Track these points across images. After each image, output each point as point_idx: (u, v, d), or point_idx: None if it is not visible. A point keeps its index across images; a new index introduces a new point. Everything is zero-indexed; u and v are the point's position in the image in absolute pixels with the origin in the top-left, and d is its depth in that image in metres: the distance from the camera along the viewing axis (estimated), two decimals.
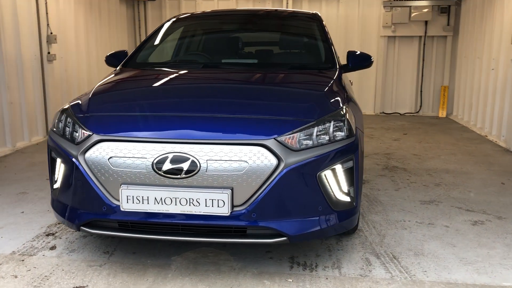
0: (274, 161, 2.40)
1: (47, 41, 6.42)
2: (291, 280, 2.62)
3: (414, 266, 2.79)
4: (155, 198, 2.41)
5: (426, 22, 8.75)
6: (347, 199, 2.68)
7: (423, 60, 8.97)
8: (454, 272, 2.71)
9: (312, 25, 4.14)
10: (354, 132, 2.70)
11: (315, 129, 2.55)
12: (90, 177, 2.51)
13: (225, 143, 2.42)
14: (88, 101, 2.84)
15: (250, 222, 2.45)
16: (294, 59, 3.89)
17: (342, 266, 2.78)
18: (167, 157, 2.41)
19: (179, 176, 2.41)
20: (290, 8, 8.93)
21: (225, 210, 2.39)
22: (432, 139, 6.66)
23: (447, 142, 6.50)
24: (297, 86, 3.17)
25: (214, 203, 2.39)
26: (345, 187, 2.66)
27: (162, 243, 3.02)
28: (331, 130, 2.59)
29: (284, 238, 2.48)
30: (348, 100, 3.02)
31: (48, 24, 6.42)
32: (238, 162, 2.39)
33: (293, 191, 2.46)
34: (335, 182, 2.61)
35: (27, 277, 2.63)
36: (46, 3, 6.37)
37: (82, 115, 2.69)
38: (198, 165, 2.40)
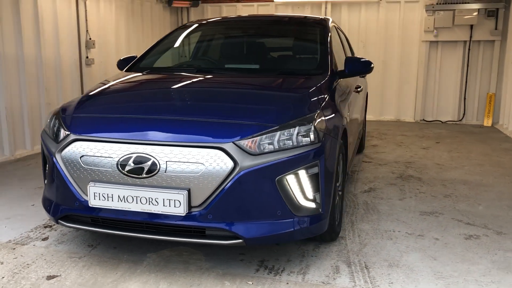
0: (230, 164, 2.46)
1: (86, 46, 6.83)
2: (251, 283, 2.65)
3: (382, 277, 2.73)
4: (119, 196, 2.54)
5: (471, 26, 8.36)
6: (312, 205, 2.68)
7: (468, 66, 8.57)
8: (421, 286, 2.62)
9: (315, 30, 4.13)
10: (321, 138, 2.68)
11: (278, 134, 2.57)
12: (65, 174, 2.69)
13: (184, 145, 2.51)
14: (76, 103, 3.03)
15: (206, 223, 2.51)
16: (287, 64, 3.91)
17: (308, 272, 2.77)
18: (130, 157, 2.54)
19: (140, 176, 2.52)
20: (324, 15, 8.89)
21: (181, 210, 2.48)
22: (465, 149, 6.37)
23: (480, 152, 6.18)
24: (272, 91, 3.19)
25: (171, 203, 2.48)
26: (309, 193, 2.66)
27: (141, 240, 3.15)
28: (295, 135, 2.60)
29: (240, 240, 2.53)
30: (329, 106, 3.00)
31: (87, 30, 6.83)
32: (196, 164, 2.47)
33: (249, 195, 2.50)
34: (298, 187, 2.61)
35: (11, 264, 2.85)
36: (86, 10, 6.78)
37: (65, 116, 2.89)
38: (158, 165, 2.50)
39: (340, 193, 3.35)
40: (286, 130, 2.60)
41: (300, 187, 2.63)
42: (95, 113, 2.88)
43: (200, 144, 2.51)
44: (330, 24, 4.32)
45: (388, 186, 4.54)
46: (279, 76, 3.44)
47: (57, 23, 6.27)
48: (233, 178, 2.46)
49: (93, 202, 2.60)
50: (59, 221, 2.79)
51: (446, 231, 3.42)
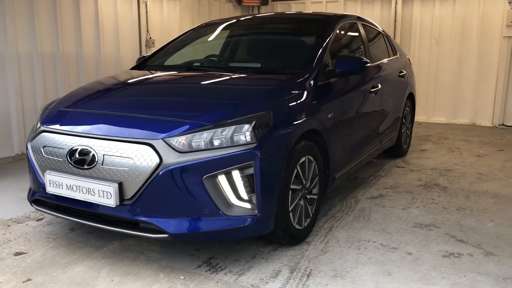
0: (155, 160, 2.54)
1: (146, 45, 7.31)
2: (183, 278, 2.71)
3: (317, 287, 2.61)
4: (67, 185, 2.76)
5: None
6: (247, 205, 2.65)
7: None
8: None
9: (315, 29, 4.00)
10: (260, 139, 2.64)
11: (212, 132, 2.59)
12: (33, 161, 2.98)
13: (118, 140, 2.64)
14: (61, 97, 3.33)
15: (134, 216, 2.63)
16: (273, 63, 3.83)
17: (246, 274, 2.75)
18: (77, 149, 2.74)
19: (83, 167, 2.71)
20: (394, 11, 8.43)
21: (112, 202, 2.62)
22: None
23: None
24: (224, 90, 3.18)
25: (105, 194, 2.63)
26: (243, 193, 2.64)
27: None
28: (230, 135, 2.60)
29: (166, 235, 2.59)
30: (288, 106, 2.93)
31: (147, 30, 7.30)
32: (126, 158, 2.59)
33: (174, 191, 2.56)
34: (230, 186, 2.61)
35: None
36: (146, 11, 7.25)
37: (44, 109, 3.19)
38: (96, 158, 2.67)
39: (312, 197, 3.24)
40: (221, 129, 2.61)
41: (233, 187, 2.62)
42: (60, 107, 3.13)
43: (132, 139, 2.62)
44: (343, 23, 4.15)
45: (401, 193, 4.24)
46: (252, 75, 3.41)
47: (118, 23, 6.80)
48: (157, 174, 2.53)
49: (49, 189, 2.85)
50: (32, 204, 3.10)
51: (427, 246, 3.13)
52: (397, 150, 5.48)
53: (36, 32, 5.62)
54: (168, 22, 7.77)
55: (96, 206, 2.72)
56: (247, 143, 2.62)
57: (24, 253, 3.03)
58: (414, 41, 8.39)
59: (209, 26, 4.61)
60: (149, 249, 3.07)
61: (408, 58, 5.96)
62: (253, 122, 2.67)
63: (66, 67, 6.09)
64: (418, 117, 8.35)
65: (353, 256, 2.98)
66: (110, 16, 6.71)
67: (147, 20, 7.29)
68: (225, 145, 2.60)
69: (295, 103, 3.04)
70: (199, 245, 3.09)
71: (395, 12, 8.46)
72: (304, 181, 3.10)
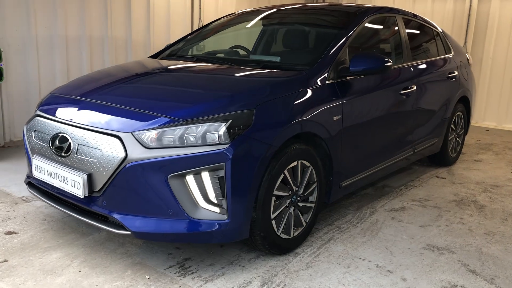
0: (121, 154, 2.45)
1: None
2: (148, 277, 2.62)
3: None
4: (47, 171, 2.76)
5: None
6: (215, 209, 2.49)
7: None
8: None
9: (341, 22, 3.68)
10: (233, 140, 2.45)
11: (183, 128, 2.45)
12: (26, 144, 3.03)
13: (92, 130, 2.58)
14: (66, 83, 3.35)
15: (101, 209, 2.56)
16: (286, 57, 3.57)
17: (213, 281, 2.60)
18: (57, 136, 2.73)
19: (61, 154, 2.69)
20: (469, 7, 7.67)
21: (80, 193, 2.57)
22: None
23: None
24: (211, 85, 2.98)
25: (75, 184, 2.59)
26: (213, 197, 2.48)
27: None
28: (201, 133, 2.44)
29: (128, 232, 2.50)
30: (277, 106, 2.71)
31: (200, 17, 7.27)
32: (96, 150, 2.53)
33: (137, 188, 2.45)
34: (198, 188, 2.46)
35: None
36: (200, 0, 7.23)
37: (48, 94, 3.23)
38: (72, 147, 2.63)
39: (307, 205, 3.00)
40: (193, 126, 2.46)
41: (202, 189, 2.46)
42: (57, 93, 3.14)
43: (103, 130, 2.55)
44: (375, 16, 3.79)
45: (427, 208, 3.82)
46: (255, 70, 3.18)
47: (170, 9, 6.84)
48: (121, 169, 2.44)
49: (34, 173, 2.88)
50: (27, 186, 3.15)
51: (429, 273, 2.77)
52: (442, 159, 4.98)
53: (86, 16, 5.79)
54: (223, 8, 7.69)
55: (70, 194, 2.69)
56: (219, 143, 2.44)
57: (15, 233, 3.10)
58: (490, 39, 7.58)
59: (238, 16, 4.43)
60: (131, 243, 3.01)
61: (468, 58, 5.36)
62: (229, 121, 2.48)
63: (114, 51, 6.23)
64: (487, 123, 7.63)
65: (338, 275, 2.71)
66: (162, 1, 6.75)
67: (200, 7, 7.26)
68: (196, 144, 2.44)
69: (289, 102, 2.80)
70: (181, 244, 2.98)
71: (470, 8, 7.69)
72: (294, 187, 2.86)
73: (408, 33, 4.19)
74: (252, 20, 4.39)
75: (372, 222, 3.48)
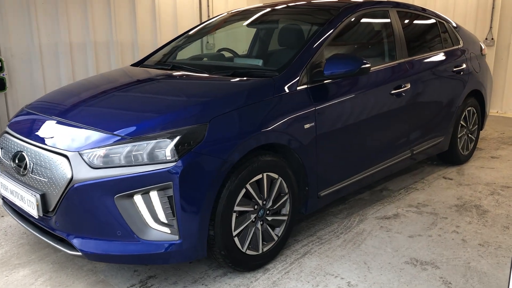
0: (69, 174, 2.40)
1: None
2: None
3: None
4: (10, 189, 2.76)
5: None
6: (166, 230, 2.40)
7: None
8: None
9: (321, 21, 3.47)
10: (182, 156, 2.34)
11: (129, 146, 2.37)
12: None
13: (45, 149, 2.55)
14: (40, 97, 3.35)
15: (52, 229, 2.53)
16: (269, 61, 3.41)
17: None
18: (17, 154, 2.71)
19: (21, 173, 2.68)
20: None
21: (35, 212, 2.55)
22: None
23: None
24: (166, 97, 2.86)
25: (30, 204, 2.57)
26: (162, 217, 2.39)
27: None
28: (148, 150, 2.36)
29: (79, 253, 2.46)
30: (234, 118, 2.58)
31: (208, 16, 7.18)
32: (48, 169, 2.49)
33: (85, 209, 2.40)
34: (147, 209, 2.38)
35: None
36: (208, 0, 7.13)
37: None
38: (28, 165, 2.61)
39: (279, 218, 2.87)
40: (139, 144, 2.37)
41: (150, 209, 2.38)
42: (26, 108, 3.12)
43: (53, 149, 2.51)
44: (360, 12, 3.57)
45: (423, 215, 3.58)
46: (220, 79, 3.05)
47: (176, 10, 6.78)
48: (69, 189, 2.39)
49: (1, 191, 2.88)
50: (2, 202, 3.18)
51: None
52: (451, 157, 4.68)
53: (89, 21, 5.82)
54: (234, 5, 7.56)
55: (26, 213, 2.68)
56: (166, 161, 2.34)
57: None
58: None
59: (228, 18, 4.30)
60: None
61: (482, 49, 5.00)
62: (177, 137, 2.37)
63: (120, 55, 6.25)
64: None
65: None
66: (169, 3, 6.70)
67: (208, 4, 7.16)
68: (143, 162, 2.36)
69: (251, 113, 2.66)
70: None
71: None
72: (260, 201, 2.73)
73: (404, 27, 3.92)
74: (242, 20, 4.25)
75: (357, 232, 3.30)
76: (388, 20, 3.82)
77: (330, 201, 3.35)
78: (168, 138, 2.37)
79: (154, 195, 2.36)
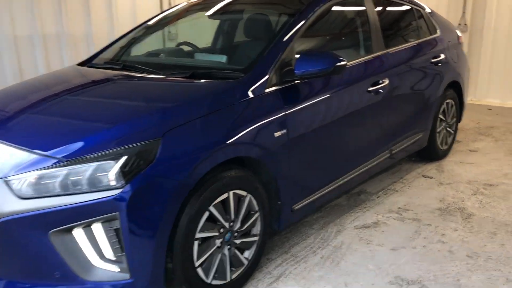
0: None
1: None
2: None
3: None
4: None
5: None
6: (114, 268, 2.03)
7: None
8: None
9: (291, 12, 3.11)
10: (130, 180, 1.96)
11: (65, 171, 1.97)
12: None
13: None
14: None
15: None
16: (234, 57, 3.05)
17: None
18: None
19: None
20: None
21: None
22: None
23: None
24: (112, 107, 2.44)
25: None
26: (109, 253, 2.01)
27: None
28: (89, 175, 1.96)
29: None
30: (191, 131, 2.20)
31: (170, 1, 6.71)
32: None
33: (15, 248, 2.00)
34: (90, 244, 2.00)
35: None
36: None
37: None
38: None
39: (248, 240, 2.53)
40: (79, 167, 1.98)
41: (94, 244, 2.01)
42: None
43: None
44: (333, 1, 3.21)
45: (405, 222, 3.31)
46: (175, 81, 2.67)
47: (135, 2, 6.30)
48: None
49: None
50: None
51: None
52: (430, 153, 4.43)
53: (36, 12, 5.28)
54: None
55: None
56: (111, 187, 1.96)
57: None
58: (490, 7, 6.86)
59: (189, 7, 3.88)
60: None
61: (459, 36, 4.74)
62: (123, 158, 1.99)
63: (74, 48, 5.74)
64: (491, 100, 7.00)
65: None
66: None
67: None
68: (82, 190, 1.97)
69: (212, 123, 2.29)
70: None
71: None
72: (227, 223, 2.38)
73: (379, 16, 3.60)
74: (205, 10, 3.85)
75: (336, 246, 2.99)
76: (364, 9, 3.49)
77: (306, 213, 3.04)
78: (111, 159, 1.98)
79: (97, 228, 1.98)
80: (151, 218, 2.03)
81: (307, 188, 2.90)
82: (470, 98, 7.09)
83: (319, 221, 3.34)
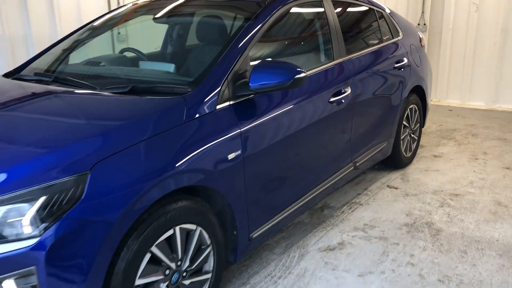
0: None
1: None
2: None
3: None
4: None
5: None
6: None
7: None
8: None
9: (246, 16, 2.81)
10: (49, 226, 1.62)
11: None
12: None
13: None
14: None
15: None
16: (183, 67, 2.73)
17: None
18: None
19: None
20: None
21: None
22: None
23: None
24: (29, 135, 2.03)
25: None
26: None
27: None
28: None
29: None
30: (122, 159, 1.86)
31: (119, 1, 6.27)
32: None
33: None
34: None
35: None
36: None
37: None
38: None
39: (199, 279, 2.22)
40: None
41: None
42: None
43: None
44: (290, 5, 2.93)
45: (372, 241, 3.08)
46: (108, 97, 2.32)
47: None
48: None
49: None
50: None
51: None
52: (394, 161, 4.25)
53: None
54: None
55: None
56: (25, 237, 1.61)
57: None
58: (448, 8, 6.79)
59: (136, 9, 3.52)
60: None
61: (420, 38, 4.58)
62: (41, 199, 1.64)
63: (10, 50, 5.22)
64: (451, 101, 6.95)
65: None
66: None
67: None
68: None
69: (151, 150, 1.96)
70: None
71: None
72: (173, 263, 2.06)
73: (340, 20, 3.35)
74: (153, 11, 3.49)
75: (299, 274, 2.73)
76: (324, 13, 3.22)
77: (266, 240, 2.75)
78: (26, 201, 1.63)
79: (10, 286, 1.62)
80: (78, 269, 1.69)
81: (266, 213, 2.62)
82: (430, 98, 7.03)
83: (281, 243, 3.07)
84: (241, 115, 2.36)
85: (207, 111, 2.22)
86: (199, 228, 2.16)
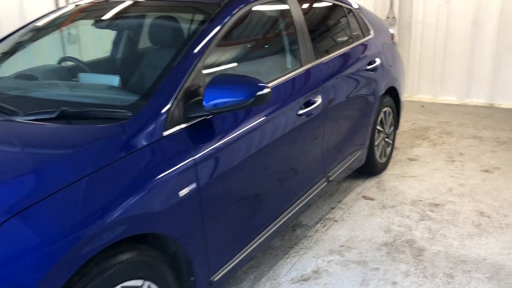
0: None
1: None
2: None
3: None
4: None
5: None
6: None
7: None
8: None
9: (200, 22, 2.43)
10: None
11: None
12: None
13: None
14: None
15: None
16: (124, 79, 2.34)
17: None
18: None
19: None
20: None
21: None
22: None
23: None
24: None
25: None
26: None
27: None
28: None
29: None
30: (36, 211, 1.48)
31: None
32: None
33: None
34: None
35: None
36: None
37: None
38: None
39: None
40: None
41: None
42: None
43: None
44: (251, 6, 2.57)
45: (349, 267, 2.78)
46: (30, 127, 1.91)
47: None
48: None
49: None
50: None
51: None
52: (369, 168, 3.97)
53: None
54: None
55: None
56: None
57: None
58: (418, 0, 6.55)
59: (80, 10, 3.09)
60: None
61: (392, 35, 4.29)
62: None
63: None
64: (422, 96, 6.74)
65: None
66: None
67: None
68: None
69: (80, 193, 1.58)
70: None
71: None
72: None
73: (307, 21, 3.01)
74: (99, 13, 3.07)
75: None
76: (289, 13, 2.88)
77: (229, 278, 2.40)
78: None
79: None
80: None
81: (230, 250, 2.27)
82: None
83: (249, 274, 2.73)
84: (195, 139, 2.00)
85: (151, 140, 1.85)
86: (147, 283, 1.80)
